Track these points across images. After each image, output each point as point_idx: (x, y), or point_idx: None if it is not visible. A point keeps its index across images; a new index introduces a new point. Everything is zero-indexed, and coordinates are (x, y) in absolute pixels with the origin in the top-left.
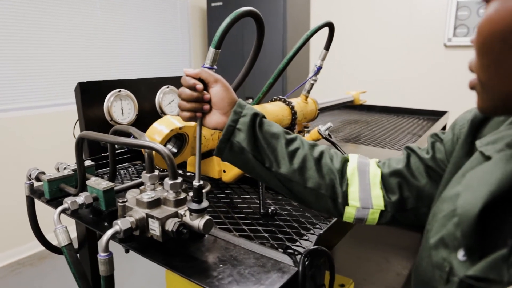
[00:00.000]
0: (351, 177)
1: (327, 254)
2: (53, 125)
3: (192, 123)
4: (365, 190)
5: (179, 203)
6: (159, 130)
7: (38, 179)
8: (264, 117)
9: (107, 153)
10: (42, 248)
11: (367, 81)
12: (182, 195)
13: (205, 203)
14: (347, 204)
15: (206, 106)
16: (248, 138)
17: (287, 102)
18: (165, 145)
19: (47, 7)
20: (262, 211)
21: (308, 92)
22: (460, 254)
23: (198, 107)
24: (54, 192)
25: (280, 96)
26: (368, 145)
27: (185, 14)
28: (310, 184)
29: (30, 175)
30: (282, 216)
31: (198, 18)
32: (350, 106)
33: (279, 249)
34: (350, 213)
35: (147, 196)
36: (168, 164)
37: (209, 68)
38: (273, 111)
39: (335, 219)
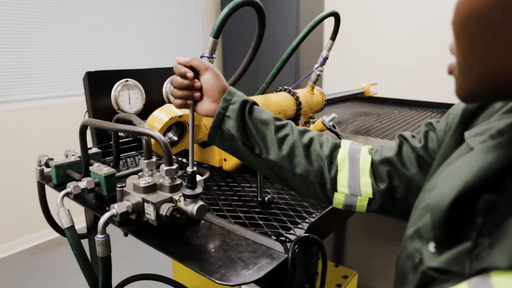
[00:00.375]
0: (342, 164)
1: (318, 242)
2: (66, 115)
3: None
4: (354, 177)
5: (174, 188)
6: (159, 118)
7: (47, 165)
8: (255, 104)
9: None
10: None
11: (384, 72)
12: (178, 181)
13: (198, 189)
14: (336, 190)
15: (197, 94)
16: (237, 125)
17: (292, 93)
18: (165, 134)
19: None
20: (259, 199)
21: (314, 82)
22: (431, 246)
23: (189, 94)
24: (61, 177)
25: (286, 87)
26: (376, 137)
27: (199, 6)
28: (299, 170)
29: (40, 161)
30: (279, 204)
31: (212, 10)
32: (362, 98)
33: (272, 236)
34: (339, 199)
35: (143, 181)
36: (164, 151)
37: (209, 57)
38: (277, 101)
39: (329, 208)
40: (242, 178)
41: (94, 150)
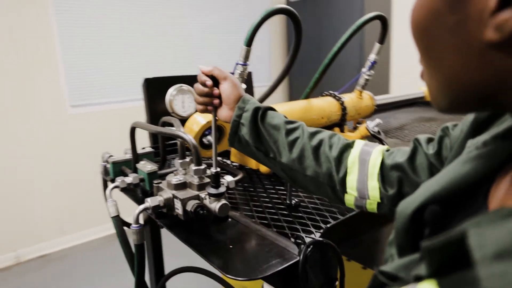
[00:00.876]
0: (352, 166)
1: (332, 247)
2: (133, 117)
3: None
4: (362, 181)
5: (201, 187)
6: (197, 121)
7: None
8: (269, 109)
9: (168, 142)
10: None
11: None
12: (206, 180)
13: (222, 189)
14: (345, 192)
15: (216, 101)
16: (250, 132)
17: (337, 98)
18: (205, 136)
19: (131, 8)
20: (287, 202)
21: (363, 87)
22: None
23: (209, 101)
24: (117, 172)
25: (331, 91)
26: None
27: (265, 10)
28: (309, 172)
29: (103, 158)
30: (307, 208)
31: (278, 16)
32: (429, 102)
33: (291, 239)
34: (349, 200)
35: (175, 179)
36: (193, 152)
37: (242, 65)
38: (320, 106)
39: (351, 214)
40: (279, 181)
41: (148, 149)
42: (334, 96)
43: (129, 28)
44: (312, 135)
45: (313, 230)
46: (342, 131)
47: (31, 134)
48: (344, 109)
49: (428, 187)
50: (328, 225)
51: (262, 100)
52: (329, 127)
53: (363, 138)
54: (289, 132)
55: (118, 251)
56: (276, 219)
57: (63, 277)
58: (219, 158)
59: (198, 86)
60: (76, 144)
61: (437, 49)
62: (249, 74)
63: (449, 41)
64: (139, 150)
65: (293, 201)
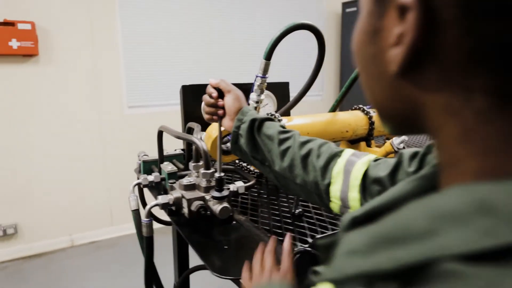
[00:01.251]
0: (336, 176)
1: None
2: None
3: None
4: (344, 191)
5: (208, 189)
6: (216, 127)
7: None
8: (267, 120)
9: None
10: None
11: None
12: (213, 183)
13: (225, 192)
14: (330, 200)
15: (220, 111)
16: (247, 142)
17: (365, 112)
18: (224, 142)
19: (182, 22)
20: (293, 211)
21: None
22: None
23: (214, 111)
24: (147, 170)
25: (360, 105)
26: None
27: (320, 19)
28: (298, 180)
29: (139, 156)
30: (311, 218)
31: (333, 23)
32: None
33: None
34: (335, 208)
35: (186, 180)
36: (203, 157)
37: (262, 77)
38: (345, 119)
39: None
40: None
41: (178, 151)
42: (363, 110)
43: (181, 39)
44: (303, 144)
45: (310, 240)
46: (369, 145)
47: (95, 129)
48: (372, 123)
49: (372, 202)
50: (319, 236)
51: (285, 112)
52: (356, 141)
53: (387, 154)
54: (281, 141)
55: (162, 243)
56: (278, 227)
57: (110, 262)
58: (244, 164)
59: (205, 97)
60: (128, 142)
61: (366, 77)
62: (286, 84)
63: (372, 70)
64: (172, 152)
65: (297, 211)
